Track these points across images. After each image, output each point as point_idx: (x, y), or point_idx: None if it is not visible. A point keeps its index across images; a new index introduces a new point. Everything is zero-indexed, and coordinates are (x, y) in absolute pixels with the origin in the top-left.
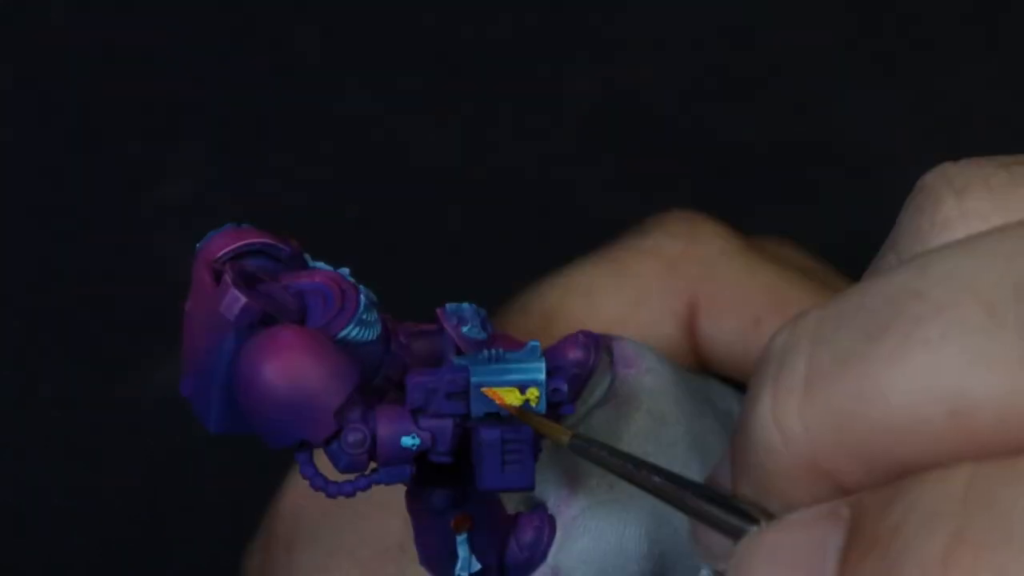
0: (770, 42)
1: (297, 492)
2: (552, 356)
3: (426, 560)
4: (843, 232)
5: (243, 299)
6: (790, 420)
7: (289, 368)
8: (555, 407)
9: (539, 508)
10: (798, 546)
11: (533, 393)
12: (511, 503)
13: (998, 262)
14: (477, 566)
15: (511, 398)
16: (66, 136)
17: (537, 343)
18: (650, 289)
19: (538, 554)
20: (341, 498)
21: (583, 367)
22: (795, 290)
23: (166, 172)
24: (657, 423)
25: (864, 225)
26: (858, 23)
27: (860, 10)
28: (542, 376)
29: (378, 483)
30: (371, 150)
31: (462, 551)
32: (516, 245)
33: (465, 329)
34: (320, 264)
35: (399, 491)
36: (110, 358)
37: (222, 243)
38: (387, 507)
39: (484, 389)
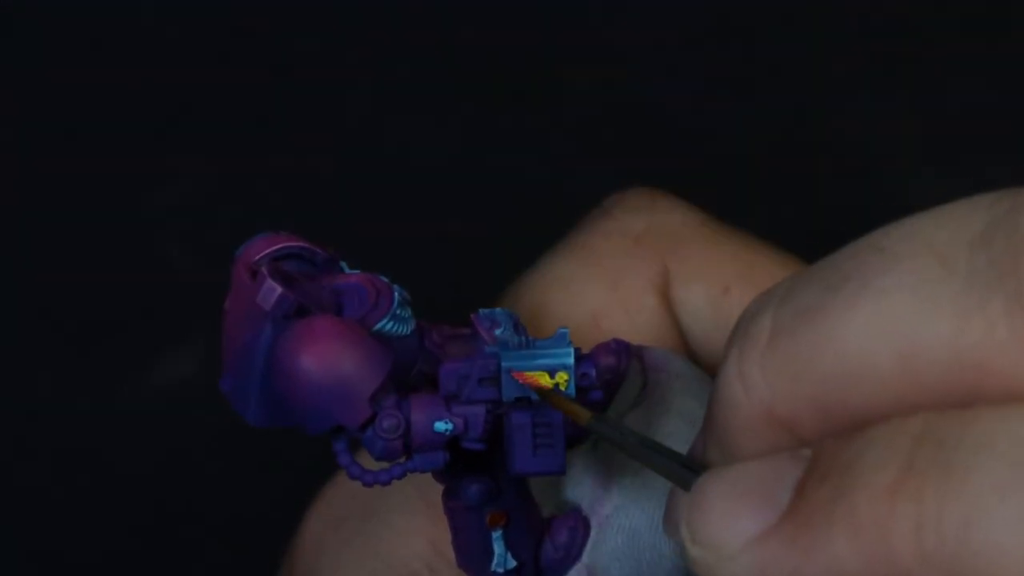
0: (770, 42)
1: (318, 523)
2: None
3: (463, 560)
4: (843, 232)
5: (279, 288)
6: (751, 372)
7: (325, 354)
8: (584, 392)
9: (573, 511)
10: (756, 477)
11: (562, 377)
12: (546, 508)
13: (954, 221)
14: (512, 563)
15: (541, 382)
16: (66, 136)
17: (566, 330)
18: (624, 268)
19: (573, 553)
20: (378, 485)
21: (614, 373)
22: (762, 257)
23: (166, 172)
24: (687, 424)
25: (864, 225)
26: (858, 24)
27: (860, 11)
28: (571, 360)
29: (413, 471)
30: (371, 150)
31: (497, 547)
32: (516, 245)
33: (498, 332)
34: (355, 271)
35: (423, 514)
36: (110, 358)
37: (260, 247)
38: (411, 531)
39: (514, 373)
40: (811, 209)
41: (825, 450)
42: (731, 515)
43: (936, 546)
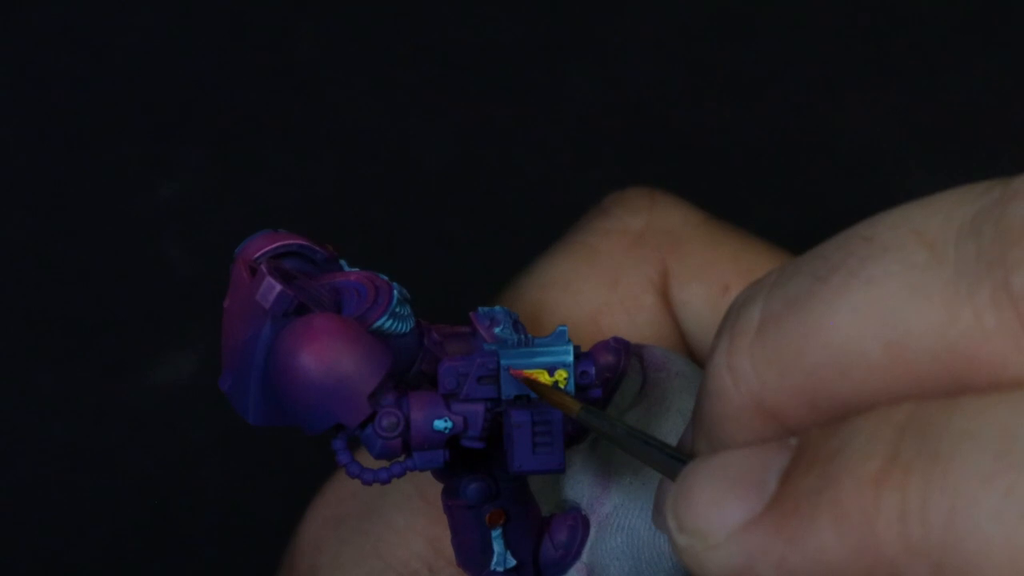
0: (770, 42)
1: (318, 523)
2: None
3: (463, 560)
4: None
5: (278, 286)
6: (741, 362)
7: (324, 352)
8: (583, 390)
9: (573, 510)
10: (742, 465)
11: (561, 375)
12: (545, 507)
13: (943, 209)
14: (512, 562)
15: (540, 379)
16: (66, 136)
17: (565, 328)
18: (623, 266)
19: (572, 552)
20: (377, 484)
21: (613, 371)
22: (761, 257)
23: (166, 172)
24: (687, 423)
25: None
26: (858, 24)
27: (860, 11)
28: (570, 358)
29: (412, 469)
30: (371, 150)
31: (497, 546)
32: (516, 245)
33: (497, 330)
34: (355, 269)
35: (422, 513)
36: (110, 358)
37: (259, 244)
38: (410, 530)
39: (513, 371)
40: (811, 209)
41: (811, 439)
42: (717, 503)
43: (921, 535)
